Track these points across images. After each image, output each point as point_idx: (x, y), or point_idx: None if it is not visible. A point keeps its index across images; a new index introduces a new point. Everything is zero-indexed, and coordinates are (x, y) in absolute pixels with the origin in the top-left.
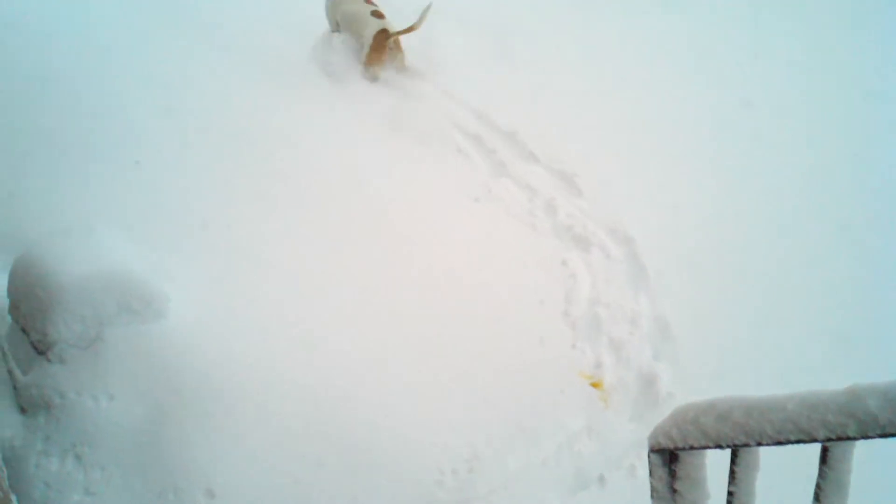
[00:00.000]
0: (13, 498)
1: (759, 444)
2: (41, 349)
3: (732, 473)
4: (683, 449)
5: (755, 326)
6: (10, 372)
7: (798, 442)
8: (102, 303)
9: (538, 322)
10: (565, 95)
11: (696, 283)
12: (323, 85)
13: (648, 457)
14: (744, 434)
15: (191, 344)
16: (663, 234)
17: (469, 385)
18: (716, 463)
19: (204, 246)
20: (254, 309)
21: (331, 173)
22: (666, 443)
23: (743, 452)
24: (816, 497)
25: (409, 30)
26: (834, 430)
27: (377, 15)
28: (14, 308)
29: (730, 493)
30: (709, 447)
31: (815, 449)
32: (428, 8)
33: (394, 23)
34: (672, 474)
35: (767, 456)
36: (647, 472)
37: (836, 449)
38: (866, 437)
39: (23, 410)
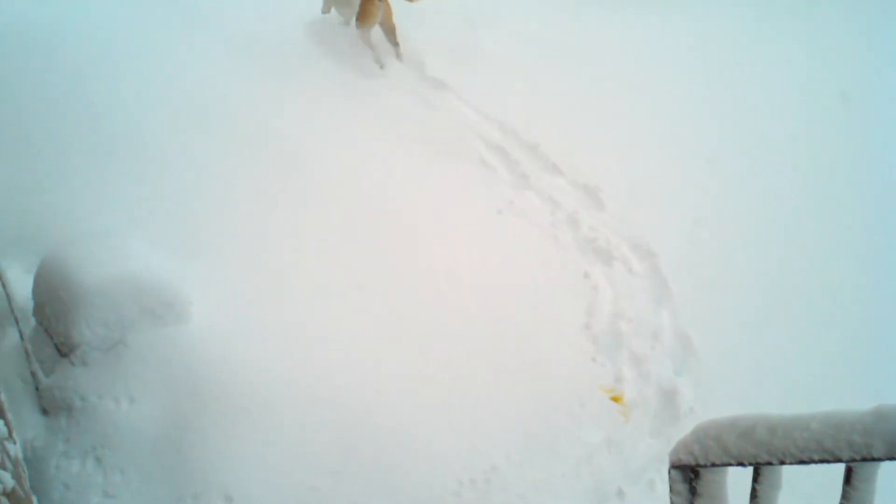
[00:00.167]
0: (34, 498)
1: (782, 463)
2: (64, 351)
3: (754, 492)
4: (705, 466)
5: (778, 343)
6: (33, 373)
7: (822, 461)
8: (125, 306)
9: (559, 335)
10: (589, 109)
11: (719, 298)
12: (346, 94)
13: (669, 473)
14: (766, 452)
15: (212, 349)
16: (686, 249)
17: (488, 396)
18: (737, 480)
19: (227, 251)
20: (275, 316)
21: (354, 183)
22: (687, 459)
23: (765, 471)
24: None
25: None
26: (859, 450)
27: None
28: (38, 310)
29: None
30: (730, 464)
31: (839, 469)
32: None
33: None
34: (693, 491)
35: (789, 475)
36: (667, 487)
37: (861, 469)
38: (892, 458)
39: (45, 412)
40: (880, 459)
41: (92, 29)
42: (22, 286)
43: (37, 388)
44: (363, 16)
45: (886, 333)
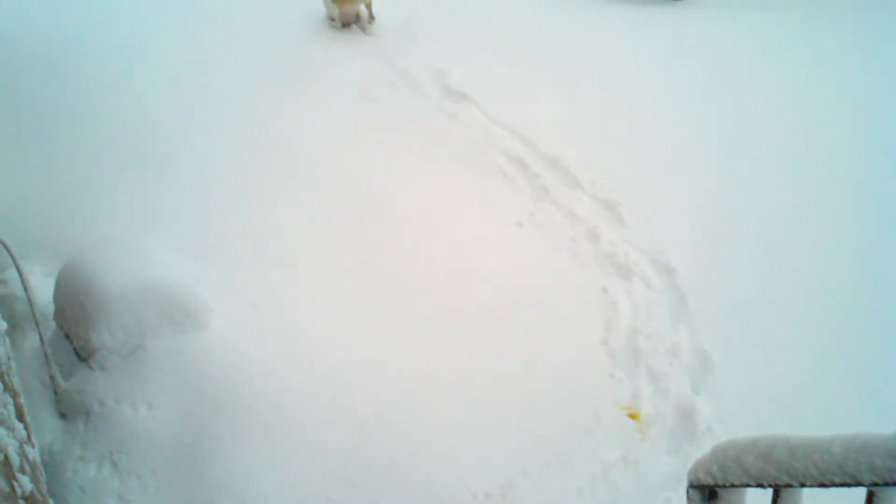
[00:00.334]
0: (51, 502)
1: (803, 486)
2: (83, 356)
3: None
4: (724, 486)
5: (797, 362)
6: (52, 377)
7: (843, 485)
8: (145, 312)
9: (577, 349)
10: (611, 122)
11: (738, 316)
12: (368, 103)
13: (687, 492)
14: (787, 474)
15: (229, 357)
16: (705, 265)
17: (505, 409)
18: (756, 502)
19: (247, 259)
20: (293, 324)
21: (374, 191)
22: (706, 479)
23: (785, 493)
24: None
25: None
26: (881, 474)
27: None
28: (59, 314)
29: None
30: (750, 486)
31: (860, 493)
32: None
33: None
34: None
35: (810, 497)
36: None
37: (883, 494)
38: None
39: (63, 416)
40: None
41: (110, 36)
42: (43, 290)
43: (55, 392)
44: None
45: None
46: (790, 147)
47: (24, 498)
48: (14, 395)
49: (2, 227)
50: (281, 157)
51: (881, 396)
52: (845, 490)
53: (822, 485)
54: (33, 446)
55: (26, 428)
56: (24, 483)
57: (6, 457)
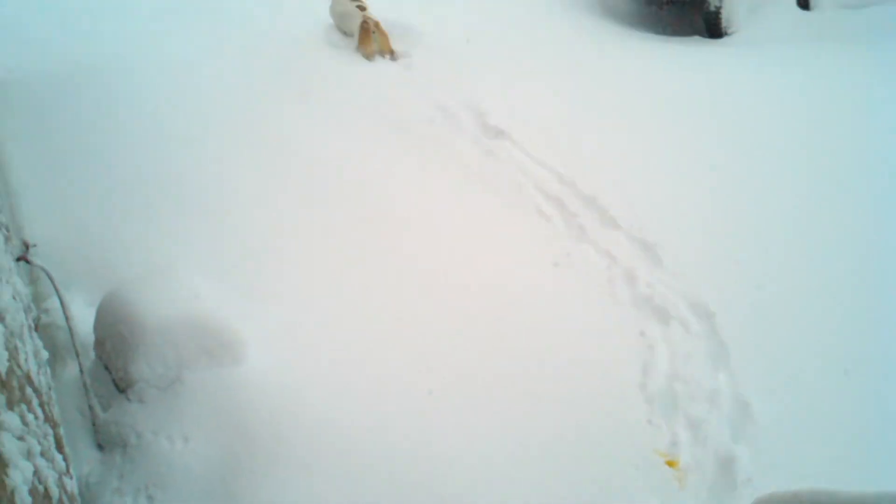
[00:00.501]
0: None
1: None
2: (122, 387)
3: None
4: None
5: (841, 413)
6: (90, 408)
7: None
8: (184, 345)
9: (613, 393)
10: (650, 161)
11: (779, 363)
12: (406, 136)
13: None
14: None
15: (266, 391)
16: (746, 311)
17: (541, 455)
18: None
19: (285, 292)
20: (332, 361)
21: (411, 225)
22: None
23: None
24: None
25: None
26: None
27: (361, 7)
28: (99, 345)
29: None
30: None
31: None
32: None
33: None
34: None
35: None
36: None
37: None
38: None
39: (100, 447)
40: None
41: (150, 69)
42: (84, 320)
43: (93, 423)
44: (362, 44)
45: None
46: (839, 194)
47: None
48: (54, 426)
49: (45, 256)
50: (318, 188)
51: None
52: None
53: None
54: (72, 478)
55: (65, 459)
56: None
57: (46, 489)
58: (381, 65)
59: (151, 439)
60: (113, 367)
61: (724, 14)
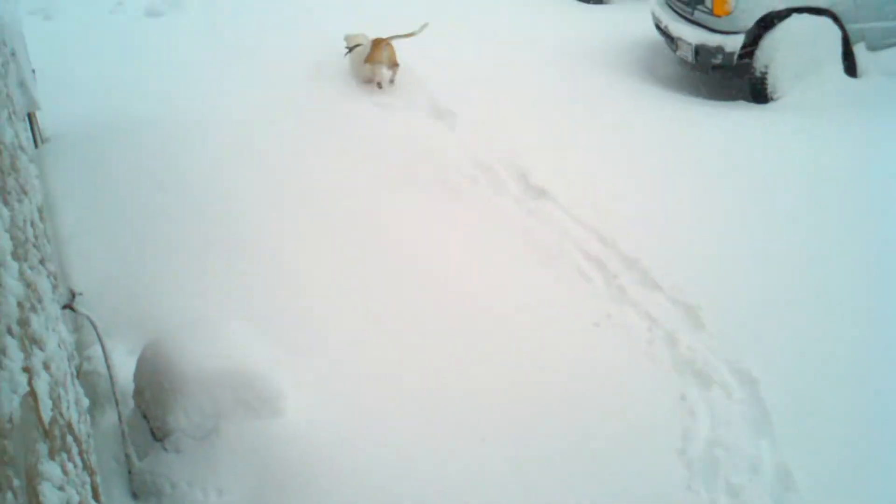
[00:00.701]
0: None
1: None
2: (159, 436)
3: None
4: None
5: (887, 485)
6: (127, 456)
7: None
8: (222, 396)
9: (653, 458)
10: (693, 221)
11: (823, 432)
12: (448, 194)
13: None
14: None
15: (303, 445)
16: (789, 378)
17: None
18: None
19: (324, 346)
20: (371, 419)
21: (454, 284)
22: None
23: None
24: None
25: (408, 35)
26: None
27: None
28: (138, 393)
29: None
30: None
31: None
32: (425, 25)
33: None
34: None
35: None
36: None
37: None
38: None
39: (135, 496)
40: None
41: (195, 122)
42: (125, 368)
43: (129, 472)
44: (373, 56)
45: None
46: (886, 262)
47: None
48: (91, 474)
49: (89, 304)
50: (358, 242)
51: None
52: None
53: None
54: None
55: None
56: None
57: None
58: (426, 119)
59: (186, 490)
60: (151, 416)
61: (770, 79)
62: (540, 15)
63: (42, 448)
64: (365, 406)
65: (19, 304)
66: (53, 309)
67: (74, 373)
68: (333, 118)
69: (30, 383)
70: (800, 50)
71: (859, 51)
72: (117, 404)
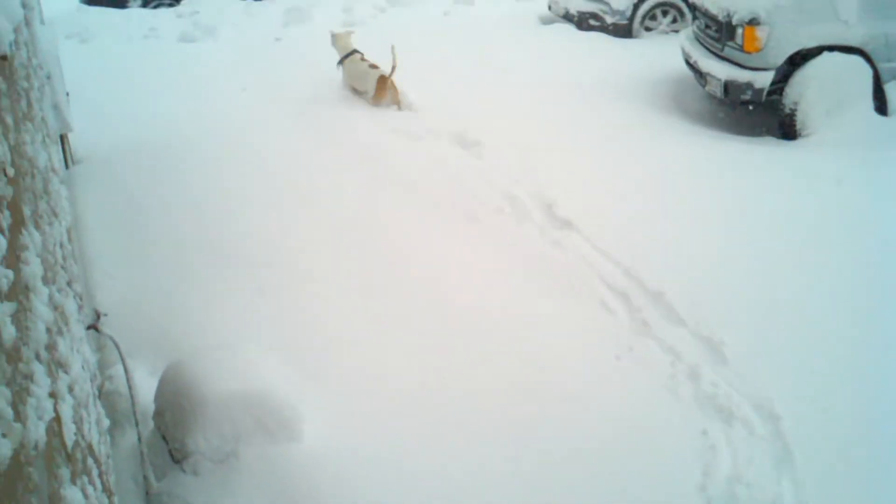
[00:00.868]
0: None
1: None
2: (177, 458)
3: None
4: None
5: None
6: (145, 477)
7: None
8: (241, 420)
9: (673, 494)
10: (719, 258)
11: (847, 471)
12: (471, 222)
13: None
14: None
15: (320, 471)
16: (814, 415)
17: None
18: None
19: (345, 372)
20: (389, 443)
21: (474, 312)
22: None
23: None
24: None
25: (393, 70)
26: None
27: (373, 66)
28: (158, 415)
29: None
30: None
31: None
32: (393, 48)
33: (385, 69)
34: None
35: None
36: None
37: None
38: None
39: None
40: None
41: (221, 146)
42: (146, 389)
43: (147, 493)
44: (378, 95)
45: None
46: None
47: None
48: (109, 496)
49: (113, 324)
50: (384, 269)
51: None
52: None
53: None
54: None
55: None
56: None
57: None
58: (454, 148)
59: None
60: (170, 438)
61: (800, 116)
62: (569, 48)
63: (64, 473)
64: (383, 432)
65: (48, 329)
66: (78, 330)
67: (96, 393)
68: (361, 144)
69: (55, 408)
70: (830, 88)
71: (890, 89)
72: (137, 425)
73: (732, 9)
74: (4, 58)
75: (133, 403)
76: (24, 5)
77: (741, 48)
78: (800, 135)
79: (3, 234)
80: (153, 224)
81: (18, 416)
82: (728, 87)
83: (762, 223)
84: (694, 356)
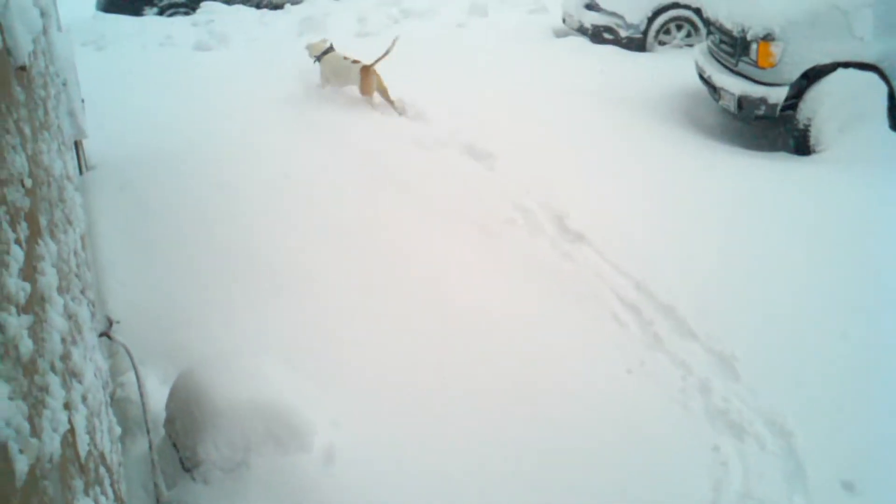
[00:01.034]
0: None
1: None
2: (188, 466)
3: None
4: None
5: None
6: (155, 485)
7: None
8: (251, 428)
9: None
10: (731, 273)
11: (858, 493)
12: (485, 235)
13: None
14: None
15: (330, 482)
16: (826, 433)
17: None
18: None
19: (356, 381)
20: (398, 453)
21: (484, 323)
22: None
23: None
24: None
25: (383, 56)
26: None
27: (355, 62)
28: (169, 423)
29: None
30: None
31: None
32: (396, 39)
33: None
34: None
35: None
36: None
37: None
38: None
39: None
40: None
41: (235, 155)
42: (157, 397)
43: (157, 501)
44: (365, 88)
45: None
46: None
47: None
48: None
49: (125, 331)
50: (393, 276)
51: None
52: None
53: None
54: None
55: None
56: None
57: None
58: (466, 159)
59: None
60: (181, 446)
61: (813, 132)
62: (583, 61)
63: (78, 484)
64: (393, 441)
65: (62, 339)
66: (91, 338)
67: (108, 401)
68: (372, 153)
69: (70, 420)
70: (844, 104)
71: None
72: (149, 433)
73: (747, 24)
74: (23, 68)
75: (144, 411)
76: (42, 14)
77: (755, 63)
78: (813, 150)
79: (21, 245)
80: (165, 230)
81: (35, 431)
82: (742, 102)
83: (775, 238)
84: (705, 370)
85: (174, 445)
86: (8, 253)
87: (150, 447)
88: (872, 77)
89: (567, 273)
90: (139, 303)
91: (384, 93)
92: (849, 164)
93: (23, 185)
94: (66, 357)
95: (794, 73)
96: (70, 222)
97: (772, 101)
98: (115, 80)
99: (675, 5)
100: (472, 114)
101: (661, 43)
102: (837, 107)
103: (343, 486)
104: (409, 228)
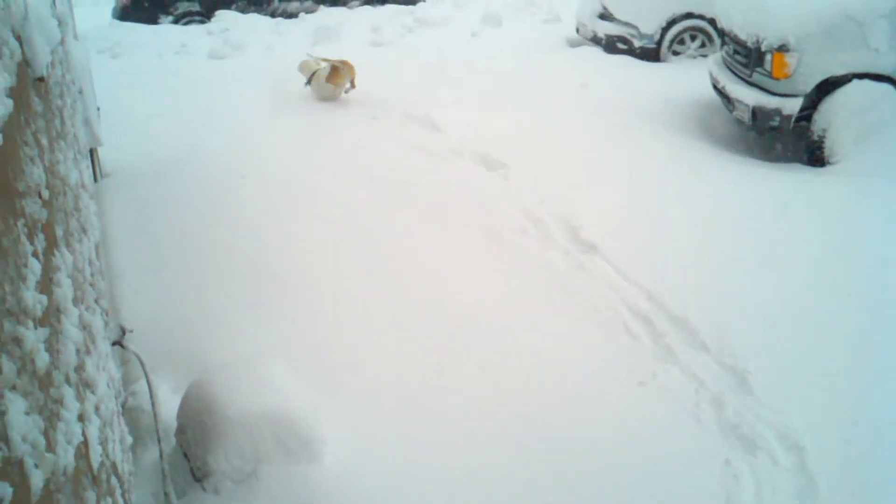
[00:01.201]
0: None
1: None
2: (198, 476)
3: None
4: None
5: None
6: (166, 494)
7: None
8: (262, 439)
9: None
10: (745, 286)
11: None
12: (496, 246)
13: None
14: None
15: (340, 494)
16: (839, 448)
17: None
18: None
19: (369, 393)
20: (411, 467)
21: (493, 332)
22: None
23: None
24: None
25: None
26: None
27: (326, 61)
28: (180, 432)
29: None
30: None
31: None
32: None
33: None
34: None
35: None
36: None
37: None
38: None
39: None
40: None
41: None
42: (169, 405)
43: None
44: (335, 77)
45: None
46: None
47: None
48: None
49: (137, 340)
50: (403, 286)
51: None
52: None
53: None
54: None
55: None
56: None
57: None
58: (480, 169)
59: None
60: (192, 456)
61: (828, 143)
62: (597, 71)
63: (90, 496)
64: (409, 460)
65: (77, 350)
66: (105, 347)
67: (120, 410)
68: (384, 160)
69: (83, 432)
70: (859, 115)
71: None
72: (160, 442)
73: (762, 35)
74: (42, 79)
75: (156, 420)
76: (59, 23)
77: (770, 74)
78: (828, 162)
79: (38, 258)
80: (177, 237)
81: (50, 445)
82: (756, 113)
83: (788, 251)
84: (718, 384)
85: (185, 455)
86: (26, 266)
87: (161, 457)
88: (888, 88)
89: (579, 283)
90: (152, 310)
91: (352, 82)
92: (864, 176)
93: (40, 197)
94: (80, 368)
95: (809, 84)
96: (85, 231)
97: (786, 112)
98: (130, 87)
99: (690, 15)
100: (486, 123)
101: (675, 53)
102: (852, 118)
103: (352, 496)
104: (418, 236)
